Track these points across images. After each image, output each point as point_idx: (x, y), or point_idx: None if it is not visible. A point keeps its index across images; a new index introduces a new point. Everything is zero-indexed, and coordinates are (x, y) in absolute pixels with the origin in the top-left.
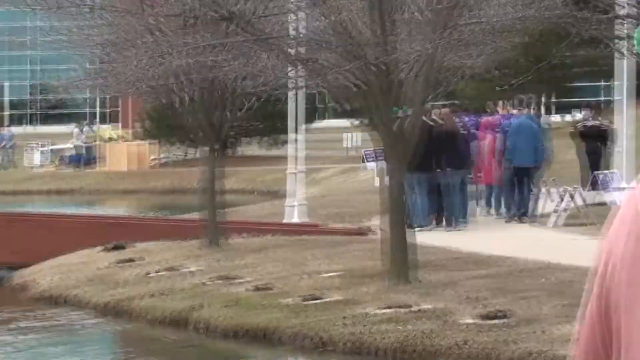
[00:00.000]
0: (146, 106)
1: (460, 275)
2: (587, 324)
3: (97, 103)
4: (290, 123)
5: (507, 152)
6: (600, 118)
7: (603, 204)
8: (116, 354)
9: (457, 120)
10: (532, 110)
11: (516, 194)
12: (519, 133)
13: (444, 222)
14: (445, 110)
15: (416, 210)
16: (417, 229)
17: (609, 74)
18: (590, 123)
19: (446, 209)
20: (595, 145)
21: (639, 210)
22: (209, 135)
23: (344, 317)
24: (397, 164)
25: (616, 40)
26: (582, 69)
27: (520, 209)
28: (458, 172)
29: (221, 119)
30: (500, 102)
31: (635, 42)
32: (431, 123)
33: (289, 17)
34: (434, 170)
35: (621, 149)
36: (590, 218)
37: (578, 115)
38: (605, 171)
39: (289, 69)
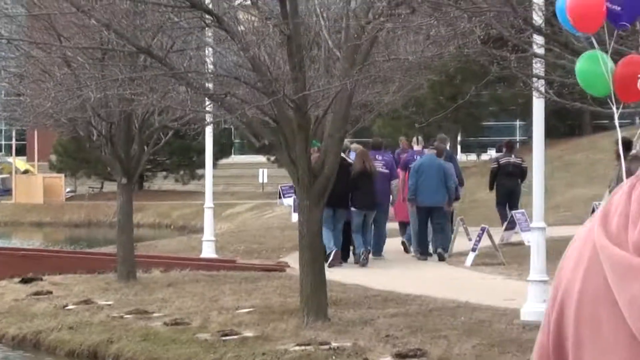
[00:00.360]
0: (61, 139)
1: (375, 313)
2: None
3: (13, 135)
4: (206, 157)
5: (409, 191)
6: (513, 156)
7: (519, 243)
8: None
9: (379, 158)
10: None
11: (430, 233)
12: (421, 172)
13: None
14: (356, 147)
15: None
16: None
17: (525, 114)
18: (512, 160)
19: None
20: (514, 182)
21: (596, 247)
22: (125, 168)
23: (263, 354)
24: (316, 201)
25: (534, 79)
26: (498, 107)
27: (436, 247)
28: (361, 211)
29: (137, 152)
30: (415, 138)
31: (577, 71)
32: (349, 160)
33: (206, 52)
34: (346, 207)
35: (528, 190)
36: (505, 257)
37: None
38: (520, 210)
39: (206, 103)
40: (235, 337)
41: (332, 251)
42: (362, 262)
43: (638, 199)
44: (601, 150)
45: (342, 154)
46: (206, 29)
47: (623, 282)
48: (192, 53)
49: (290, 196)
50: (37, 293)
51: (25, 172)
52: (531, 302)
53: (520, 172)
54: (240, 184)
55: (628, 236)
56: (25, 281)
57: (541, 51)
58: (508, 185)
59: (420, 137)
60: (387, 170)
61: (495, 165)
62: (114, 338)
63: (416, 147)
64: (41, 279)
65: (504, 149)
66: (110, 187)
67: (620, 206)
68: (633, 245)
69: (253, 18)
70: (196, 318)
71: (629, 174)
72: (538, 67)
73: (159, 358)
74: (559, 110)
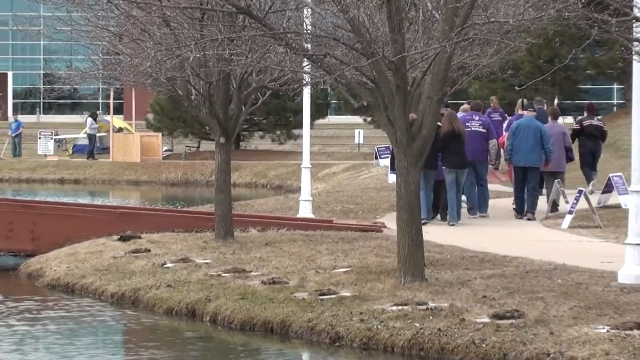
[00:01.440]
0: (158, 98)
1: (471, 274)
2: None
3: (112, 94)
4: (304, 118)
5: (506, 151)
6: (596, 119)
7: (616, 206)
8: (130, 345)
9: (476, 118)
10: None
11: (525, 193)
12: (517, 133)
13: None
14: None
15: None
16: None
17: (622, 77)
18: (594, 122)
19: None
20: (596, 143)
21: None
22: (223, 127)
23: (360, 313)
24: (413, 161)
25: (635, 43)
26: (595, 70)
27: (524, 207)
28: (452, 170)
29: (235, 112)
30: (519, 102)
31: None
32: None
33: (305, 12)
34: (434, 168)
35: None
36: (602, 220)
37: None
38: (618, 173)
39: (305, 64)
40: (332, 296)
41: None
42: (450, 223)
43: None
44: None
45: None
46: None
47: None
48: (291, 14)
49: (387, 157)
50: (135, 251)
51: (120, 130)
52: (629, 264)
53: (601, 134)
54: (336, 144)
55: None
56: (123, 239)
57: None
58: (589, 146)
59: (525, 100)
60: (484, 130)
61: (578, 127)
62: (211, 296)
63: (521, 111)
64: (139, 237)
65: (586, 112)
66: (206, 146)
67: None
68: None
69: None
70: (293, 277)
71: None
72: (638, 31)
73: (257, 316)
74: None
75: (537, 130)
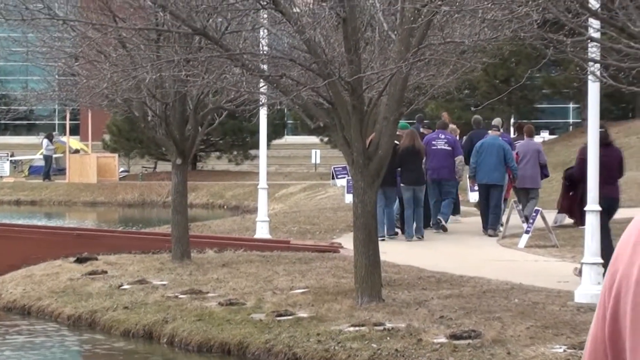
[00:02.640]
0: (115, 119)
1: (429, 294)
2: (590, 345)
3: (68, 115)
4: (260, 139)
5: (470, 169)
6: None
7: (572, 225)
8: None
9: (442, 137)
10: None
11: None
12: (481, 151)
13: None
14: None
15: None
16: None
17: (578, 96)
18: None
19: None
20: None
21: None
22: (179, 148)
23: (317, 334)
24: (370, 182)
25: (590, 63)
26: (551, 90)
27: (486, 224)
28: (409, 187)
29: (192, 133)
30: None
31: None
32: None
33: (261, 33)
34: (393, 185)
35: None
36: (558, 240)
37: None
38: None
39: (261, 84)
40: (289, 317)
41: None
42: (408, 238)
43: None
44: None
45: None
46: (261, 10)
47: None
48: (247, 34)
49: (343, 177)
50: (92, 273)
51: (76, 151)
52: (585, 284)
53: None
54: (292, 164)
55: None
56: (80, 261)
57: (597, 35)
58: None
59: (503, 121)
60: (449, 148)
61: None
62: (168, 318)
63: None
64: (96, 259)
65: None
66: (163, 167)
67: None
68: None
69: (308, 0)
70: (250, 298)
71: None
72: (594, 51)
73: (214, 338)
74: (612, 93)
75: (501, 148)
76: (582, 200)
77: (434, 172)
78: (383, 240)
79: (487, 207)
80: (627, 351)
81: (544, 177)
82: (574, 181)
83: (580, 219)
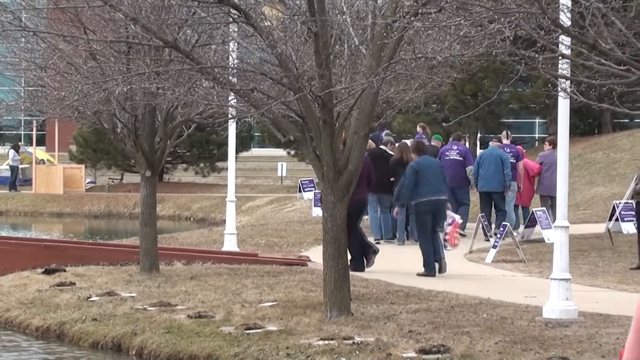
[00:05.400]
0: (81, 130)
1: (397, 309)
2: None
3: (34, 126)
4: (229, 151)
5: (473, 178)
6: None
7: (539, 240)
8: None
9: (454, 147)
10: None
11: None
12: (482, 161)
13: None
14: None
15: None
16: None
17: (545, 111)
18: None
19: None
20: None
21: None
22: (148, 161)
23: (286, 347)
24: (340, 196)
25: (561, 80)
26: (518, 105)
27: (491, 228)
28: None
29: (161, 145)
30: (504, 133)
31: None
32: (389, 152)
33: (232, 46)
34: (388, 192)
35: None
36: (525, 255)
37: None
38: (541, 208)
39: (231, 98)
40: (258, 330)
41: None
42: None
43: None
44: (621, 149)
45: (384, 147)
46: (232, 23)
47: None
48: (218, 48)
49: (310, 190)
50: (60, 284)
51: (42, 162)
52: (553, 299)
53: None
54: (259, 177)
55: None
56: (48, 272)
57: (568, 52)
58: None
59: (508, 132)
60: (461, 158)
61: None
62: (137, 330)
63: (505, 141)
64: (64, 270)
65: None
66: (130, 178)
67: None
68: None
69: (279, 14)
70: (219, 311)
71: None
72: (565, 68)
73: (183, 351)
74: (579, 109)
75: (498, 158)
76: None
77: (448, 180)
78: (379, 243)
79: (489, 214)
80: None
81: None
82: None
83: None
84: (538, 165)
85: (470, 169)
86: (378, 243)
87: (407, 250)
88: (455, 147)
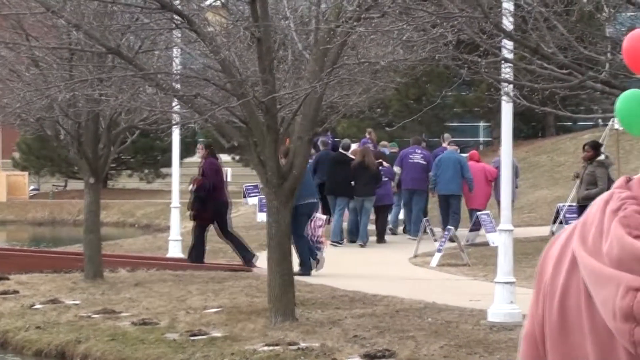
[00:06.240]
0: (25, 137)
1: (342, 314)
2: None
3: None
4: (173, 157)
5: (430, 181)
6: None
7: (484, 243)
8: None
9: (418, 152)
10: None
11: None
12: (439, 165)
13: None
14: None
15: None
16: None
17: (489, 115)
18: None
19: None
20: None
21: (575, 253)
22: (92, 167)
23: (231, 354)
24: (284, 202)
25: (504, 84)
26: (462, 108)
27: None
28: (359, 198)
29: (105, 152)
30: (442, 136)
31: (616, 112)
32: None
33: (175, 52)
34: (348, 195)
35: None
36: (470, 258)
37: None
38: (485, 211)
39: (175, 104)
40: (203, 337)
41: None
42: (359, 243)
43: (609, 216)
44: (564, 153)
45: (345, 151)
46: (175, 29)
47: (596, 287)
48: (161, 53)
49: (255, 196)
50: (3, 292)
51: None
52: (498, 303)
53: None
54: None
55: (602, 247)
56: None
57: (511, 56)
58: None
59: (447, 135)
60: (425, 162)
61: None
62: (81, 338)
63: (444, 144)
64: (7, 278)
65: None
66: (74, 185)
67: (596, 220)
68: (606, 255)
69: (222, 20)
70: (164, 318)
71: (593, 177)
72: (508, 72)
73: (128, 358)
74: (523, 112)
75: (457, 162)
76: None
77: (409, 183)
78: (337, 246)
79: (447, 215)
80: None
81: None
82: None
83: None
84: (495, 170)
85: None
86: (338, 245)
87: (354, 253)
88: (419, 152)
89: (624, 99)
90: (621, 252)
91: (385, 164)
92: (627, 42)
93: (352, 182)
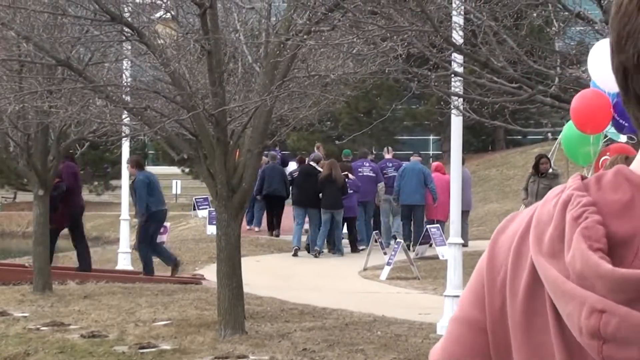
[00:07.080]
0: None
1: (291, 327)
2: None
3: None
4: (123, 170)
5: (394, 192)
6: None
7: (433, 257)
8: None
9: (366, 164)
10: None
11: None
12: (403, 175)
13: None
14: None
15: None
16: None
17: (439, 129)
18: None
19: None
20: None
21: (532, 257)
22: (41, 179)
23: None
24: (234, 214)
25: (454, 97)
26: (412, 122)
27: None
28: (327, 210)
29: (54, 164)
30: (385, 148)
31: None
32: (318, 169)
33: (125, 64)
34: (316, 207)
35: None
36: (419, 271)
37: None
38: (435, 225)
39: (124, 116)
40: (152, 349)
41: (296, 247)
42: (314, 254)
43: (570, 224)
44: (514, 166)
45: (314, 164)
46: (125, 41)
47: (559, 301)
48: (111, 66)
49: (205, 208)
50: None
51: None
52: (448, 316)
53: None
54: None
55: (562, 253)
56: None
57: (461, 70)
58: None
59: (390, 147)
60: (373, 174)
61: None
62: (30, 350)
63: (387, 156)
64: None
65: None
66: (23, 197)
67: (555, 220)
68: (568, 265)
69: (172, 32)
70: (113, 330)
71: (548, 190)
72: (457, 85)
73: None
74: (473, 126)
75: (420, 172)
76: None
77: (361, 196)
78: (295, 254)
79: (409, 226)
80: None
81: None
82: None
83: None
84: None
85: (381, 185)
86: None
87: (304, 264)
88: (368, 165)
89: (566, 131)
90: (584, 267)
91: (351, 176)
92: (575, 102)
93: (320, 195)
